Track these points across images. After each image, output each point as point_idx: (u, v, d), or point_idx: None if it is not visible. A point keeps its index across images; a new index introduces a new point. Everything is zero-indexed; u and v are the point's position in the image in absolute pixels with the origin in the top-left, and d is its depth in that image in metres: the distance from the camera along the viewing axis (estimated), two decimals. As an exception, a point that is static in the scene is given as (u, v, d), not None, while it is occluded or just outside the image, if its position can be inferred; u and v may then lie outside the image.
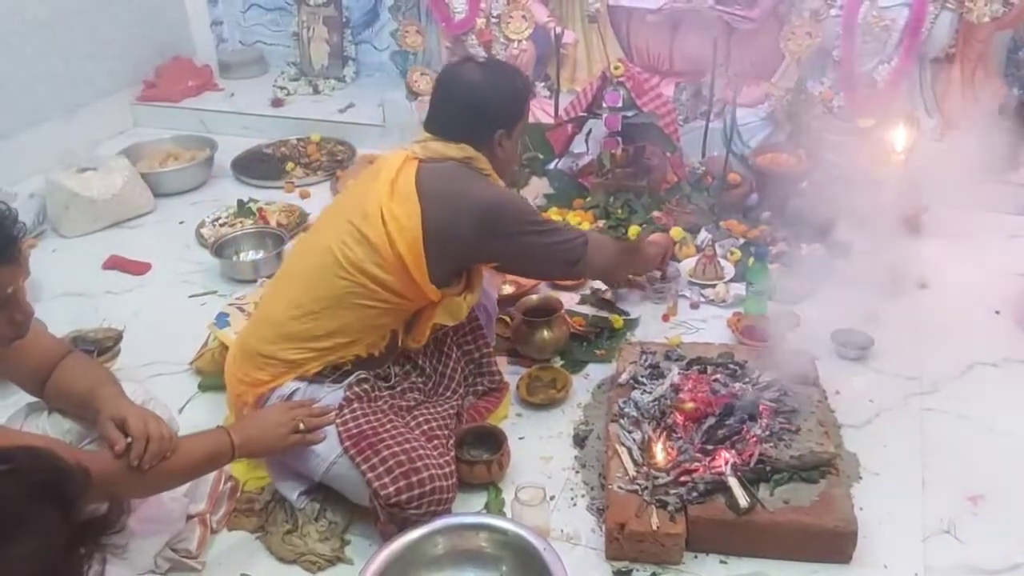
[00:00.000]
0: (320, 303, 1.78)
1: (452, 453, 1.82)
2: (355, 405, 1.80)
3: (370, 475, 1.69)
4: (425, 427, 1.85)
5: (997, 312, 2.41)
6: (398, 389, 1.90)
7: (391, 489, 1.66)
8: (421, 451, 1.73)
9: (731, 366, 2.05)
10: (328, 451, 1.76)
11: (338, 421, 1.76)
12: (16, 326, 1.43)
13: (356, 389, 1.82)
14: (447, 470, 1.73)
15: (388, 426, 1.77)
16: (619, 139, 2.91)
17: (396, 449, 1.71)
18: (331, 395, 1.82)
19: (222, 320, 2.28)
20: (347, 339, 1.81)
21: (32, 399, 1.64)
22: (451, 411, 1.93)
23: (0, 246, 1.33)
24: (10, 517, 0.96)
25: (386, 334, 1.86)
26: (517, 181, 2.24)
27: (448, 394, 1.97)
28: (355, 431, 1.75)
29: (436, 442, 1.81)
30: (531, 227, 1.88)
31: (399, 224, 1.74)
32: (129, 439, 1.46)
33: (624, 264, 2.25)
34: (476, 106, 1.83)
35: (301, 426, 1.74)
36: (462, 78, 1.86)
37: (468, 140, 1.83)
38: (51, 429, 1.57)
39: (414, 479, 1.67)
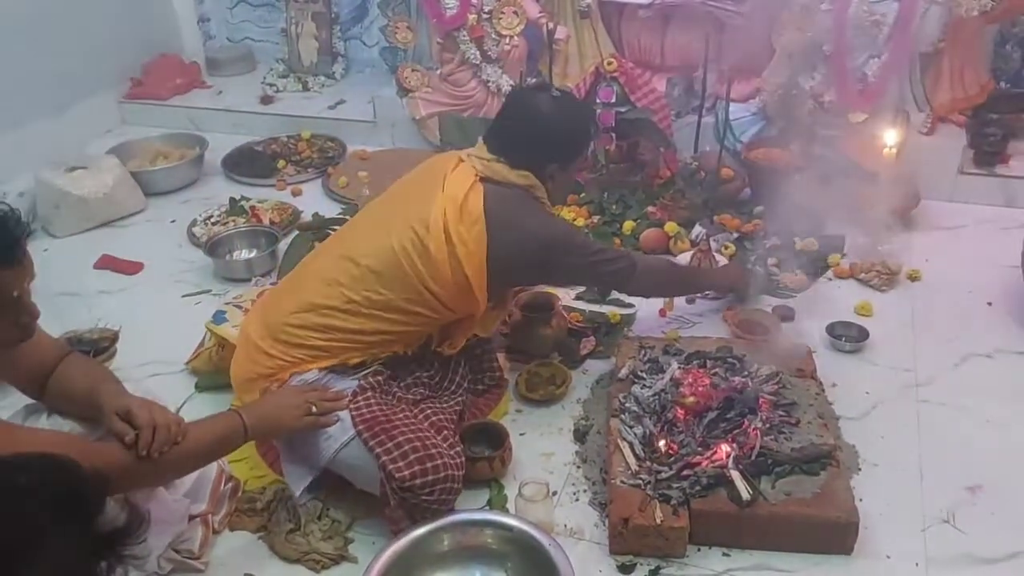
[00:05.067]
0: (375, 304, 1.81)
1: (460, 446, 1.84)
2: (368, 394, 1.82)
3: (385, 458, 1.69)
4: (433, 419, 1.87)
5: (989, 304, 2.44)
6: (403, 384, 1.92)
7: (406, 472, 1.67)
8: (432, 440, 1.75)
9: (730, 360, 2.06)
10: (340, 432, 1.76)
11: (351, 407, 1.77)
12: (22, 328, 1.42)
13: (371, 379, 1.85)
14: (458, 460, 1.75)
15: (400, 415, 1.80)
16: (613, 135, 2.92)
17: (410, 435, 1.73)
18: (343, 383, 1.83)
19: (219, 317, 2.26)
20: (391, 338, 1.86)
21: (30, 401, 1.62)
22: (456, 407, 1.96)
23: (2, 248, 1.31)
24: (31, 534, 0.94)
25: (424, 337, 1.93)
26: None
27: (453, 388, 2.01)
28: (368, 416, 1.76)
29: (445, 433, 1.83)
30: (584, 256, 1.98)
31: (467, 248, 1.80)
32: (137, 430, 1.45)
33: (672, 288, 2.35)
34: (541, 137, 1.90)
35: (314, 409, 1.74)
36: (535, 106, 1.91)
37: (527, 166, 1.89)
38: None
39: (428, 465, 1.68)
